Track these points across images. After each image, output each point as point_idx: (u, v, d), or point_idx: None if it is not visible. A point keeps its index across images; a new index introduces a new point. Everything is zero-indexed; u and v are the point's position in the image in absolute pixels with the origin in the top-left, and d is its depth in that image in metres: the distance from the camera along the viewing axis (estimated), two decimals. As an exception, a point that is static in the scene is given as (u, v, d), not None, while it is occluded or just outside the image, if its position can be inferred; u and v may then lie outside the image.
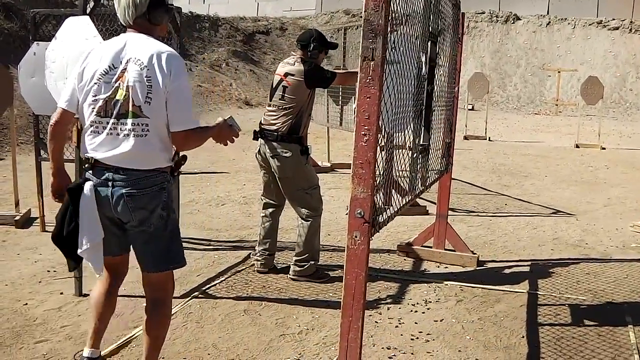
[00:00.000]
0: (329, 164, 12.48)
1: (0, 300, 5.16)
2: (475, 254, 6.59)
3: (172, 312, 4.95)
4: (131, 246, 3.73)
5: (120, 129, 3.41)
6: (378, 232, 3.64)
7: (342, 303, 3.42)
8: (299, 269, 5.85)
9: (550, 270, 6.51)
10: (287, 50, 31.76)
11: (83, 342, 4.45)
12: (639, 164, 14.58)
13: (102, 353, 4.04)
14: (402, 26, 4.03)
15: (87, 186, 3.46)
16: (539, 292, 5.81)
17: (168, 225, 3.60)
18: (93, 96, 3.45)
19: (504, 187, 11.26)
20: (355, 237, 3.30)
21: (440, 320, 5.13)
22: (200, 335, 4.70)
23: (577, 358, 4.55)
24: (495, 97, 29.47)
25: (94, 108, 3.45)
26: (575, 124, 18.91)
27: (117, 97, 3.41)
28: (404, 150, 4.76)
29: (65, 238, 3.53)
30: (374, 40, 3.14)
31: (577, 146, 17.02)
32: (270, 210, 6.08)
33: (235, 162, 12.90)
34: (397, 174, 4.47)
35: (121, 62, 3.44)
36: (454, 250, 6.62)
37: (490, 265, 6.62)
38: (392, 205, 4.26)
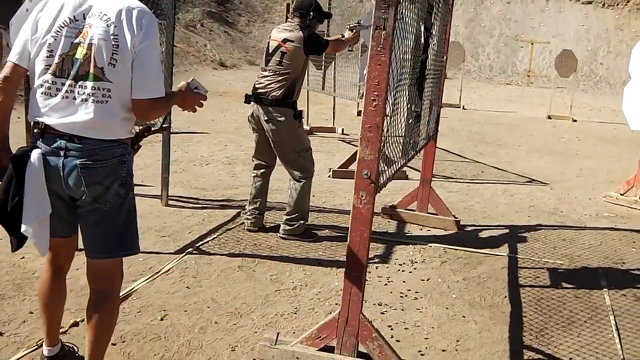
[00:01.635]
0: (307, 127, 12.61)
1: (-3, 254, 5.27)
2: (456, 218, 6.82)
3: (168, 268, 5.16)
4: (80, 227, 3.26)
5: (78, 92, 2.98)
6: (379, 192, 3.83)
7: (346, 258, 3.62)
8: (289, 227, 6.03)
9: (528, 236, 6.76)
10: (261, 12, 31.71)
11: (84, 294, 4.56)
12: (609, 136, 14.91)
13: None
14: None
15: (35, 154, 2.99)
16: (518, 256, 6.06)
17: (125, 205, 3.19)
18: (48, 51, 3.00)
19: (480, 154, 11.50)
20: (362, 196, 3.49)
21: (427, 280, 5.35)
22: (199, 289, 4.87)
23: (557, 317, 4.81)
24: (468, 66, 29.64)
25: (48, 65, 3.00)
26: (547, 95, 19.21)
27: (77, 56, 2.97)
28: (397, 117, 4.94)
29: (9, 214, 3.03)
30: (386, 10, 3.31)
31: (549, 117, 17.30)
32: (262, 170, 6.23)
33: (215, 122, 12.98)
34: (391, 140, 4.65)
35: (84, 15, 3.02)
36: (436, 214, 6.83)
37: (470, 229, 6.85)
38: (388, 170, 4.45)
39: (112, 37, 2.97)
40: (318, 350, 3.75)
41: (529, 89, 27.01)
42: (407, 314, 4.70)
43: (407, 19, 4.13)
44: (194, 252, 5.62)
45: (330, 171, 8.84)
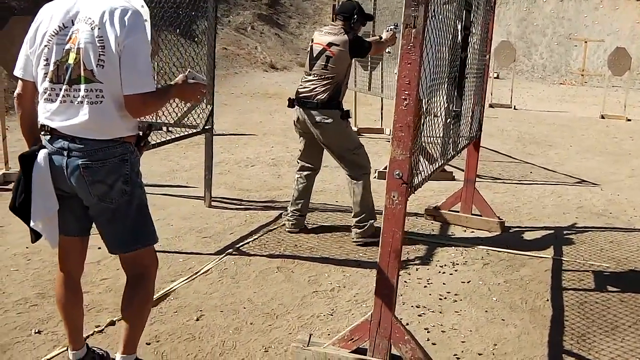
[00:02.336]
0: (355, 129, 12.58)
1: (41, 253, 5.32)
2: (501, 219, 6.72)
3: (208, 268, 5.19)
4: (96, 226, 3.35)
5: (74, 95, 3.07)
6: (413, 193, 3.78)
7: (378, 259, 3.58)
8: (359, 230, 5.99)
9: (574, 238, 6.62)
10: (312, 14, 31.75)
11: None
12: (664, 135, 14.58)
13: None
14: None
15: (42, 154, 3.13)
16: (563, 258, 5.94)
17: (133, 201, 3.25)
18: (44, 60, 3.11)
19: (529, 155, 11.33)
20: (393, 197, 3.45)
21: (468, 282, 5.28)
22: (236, 290, 4.88)
23: (600, 322, 4.69)
24: (521, 66, 29.32)
25: (45, 73, 3.11)
26: (600, 94, 18.86)
27: (69, 61, 3.06)
28: (433, 117, 4.88)
29: (18, 209, 3.20)
30: (416, 8, 3.26)
31: (603, 117, 16.98)
32: (306, 173, 6.23)
33: (262, 124, 13.03)
34: (426, 140, 4.60)
35: (72, 21, 3.09)
36: (480, 215, 6.75)
37: (515, 230, 6.74)
38: (420, 171, 4.40)
39: (97, 39, 3.03)
40: (350, 352, 3.71)
41: (582, 88, 26.58)
42: (445, 316, 4.64)
43: (440, 17, 4.06)
44: (234, 253, 5.63)
45: (376, 172, 8.78)
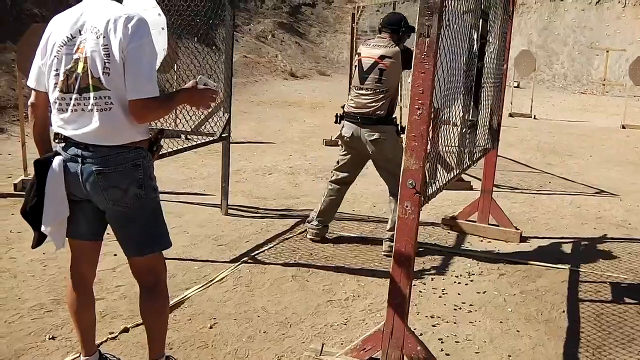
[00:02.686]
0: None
1: (57, 259, 5.34)
2: (518, 229, 6.68)
3: (223, 276, 5.20)
4: (113, 231, 3.40)
5: (84, 104, 3.12)
6: (427, 203, 3.77)
7: (391, 269, 3.57)
8: (392, 244, 5.98)
9: (592, 249, 6.58)
10: (332, 22, 31.80)
11: (137, 300, 4.64)
12: (686, 146, 14.45)
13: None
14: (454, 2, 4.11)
15: (57, 160, 3.19)
16: (580, 269, 5.89)
17: (147, 205, 3.31)
18: (54, 70, 3.18)
19: (548, 165, 11.27)
20: (407, 206, 3.44)
21: (483, 293, 5.25)
22: (250, 298, 4.87)
23: (616, 334, 4.64)
24: (542, 75, 29.19)
25: (56, 83, 3.18)
26: (622, 104, 18.72)
27: (78, 70, 3.12)
28: (451, 126, 4.87)
29: (29, 213, 3.28)
30: (430, 17, 3.26)
31: (624, 127, 16.86)
32: (339, 186, 6.20)
33: (281, 132, 13.05)
34: (445, 149, 4.59)
35: (80, 31, 3.15)
36: (497, 225, 6.71)
37: (532, 241, 6.70)
38: (437, 180, 4.38)
39: (102, 47, 3.08)
40: (363, 362, 3.71)
41: (604, 98, 26.40)
42: (459, 327, 4.61)
43: (456, 26, 4.05)
44: (249, 261, 5.63)
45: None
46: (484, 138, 5.97)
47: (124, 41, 3.06)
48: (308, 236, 6.27)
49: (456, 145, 4.97)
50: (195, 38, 6.53)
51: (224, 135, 6.58)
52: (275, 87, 21.53)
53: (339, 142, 6.19)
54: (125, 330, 4.26)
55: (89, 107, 3.12)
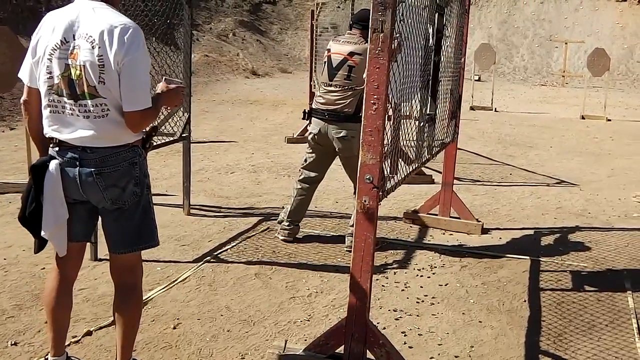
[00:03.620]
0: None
1: (18, 265, 5.31)
2: (480, 221, 6.74)
3: (185, 277, 5.18)
4: (102, 225, 3.46)
5: (79, 110, 3.16)
6: (386, 197, 3.79)
7: (351, 264, 3.58)
8: None
9: (553, 238, 6.66)
10: (293, 20, 31.80)
11: (100, 303, 4.66)
12: (644, 135, 14.68)
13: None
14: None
15: (53, 164, 3.21)
16: (541, 259, 5.97)
17: (141, 202, 3.38)
18: (47, 73, 3.18)
19: (509, 157, 11.38)
20: (365, 201, 3.46)
21: (445, 285, 5.29)
22: (214, 297, 4.86)
23: (577, 321, 4.71)
24: (502, 68, 29.46)
25: (50, 86, 3.19)
26: (581, 95, 18.95)
27: (72, 77, 3.14)
28: (410, 120, 4.90)
29: (28, 219, 3.30)
30: (384, 12, 3.28)
31: (583, 117, 17.07)
32: (308, 185, 6.14)
33: (243, 131, 13.02)
34: (404, 143, 4.62)
35: (73, 37, 3.14)
36: (459, 218, 6.76)
37: (494, 232, 6.76)
38: (398, 173, 4.41)
39: (97, 57, 3.10)
40: (326, 357, 3.71)
41: (564, 89, 26.70)
42: (422, 319, 4.65)
43: (411, 20, 4.08)
44: (212, 260, 5.61)
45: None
46: (443, 131, 6.00)
47: (119, 54, 3.09)
48: (280, 237, 6.20)
49: (415, 139, 5.00)
50: (154, 38, 6.49)
51: (184, 135, 6.55)
52: (237, 85, 21.47)
53: (308, 140, 6.15)
54: (89, 333, 4.22)
55: (85, 114, 3.16)
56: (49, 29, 3.20)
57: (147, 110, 3.20)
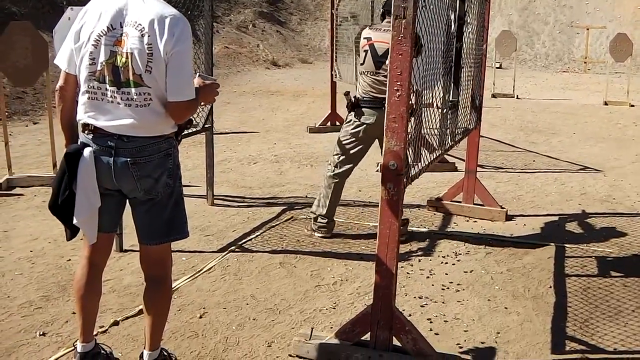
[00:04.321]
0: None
1: (45, 257, 5.37)
2: (503, 208, 6.72)
3: (210, 266, 5.21)
4: (133, 216, 3.46)
5: (121, 98, 3.17)
6: (410, 184, 3.78)
7: (376, 251, 3.59)
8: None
9: (578, 224, 6.63)
10: (313, 10, 31.73)
11: (126, 293, 4.70)
12: (668, 120, 14.53)
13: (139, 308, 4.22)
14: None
15: (87, 152, 3.21)
16: (566, 245, 5.94)
17: (173, 194, 3.39)
18: (90, 59, 3.19)
19: (532, 144, 11.32)
20: (389, 188, 3.46)
21: (470, 272, 5.29)
22: (239, 286, 4.89)
23: (603, 307, 4.69)
24: (524, 55, 29.25)
25: (92, 72, 3.19)
26: (603, 81, 18.77)
27: (117, 64, 3.15)
28: (432, 109, 4.88)
29: (60, 207, 3.29)
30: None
31: (606, 103, 16.92)
32: (345, 178, 6.02)
33: (265, 121, 13.04)
34: (426, 131, 4.61)
35: (121, 24, 3.17)
36: (482, 205, 6.75)
37: (518, 219, 6.73)
38: (422, 161, 4.40)
39: (146, 46, 3.12)
40: (352, 344, 3.73)
41: (586, 75, 26.46)
42: (447, 306, 4.65)
43: (432, 7, 4.07)
44: (236, 250, 5.64)
45: (378, 165, 8.74)
46: (466, 118, 5.99)
47: (168, 44, 3.12)
48: (319, 235, 6.03)
49: (438, 126, 4.99)
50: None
51: (206, 126, 6.57)
52: (257, 76, 21.48)
53: (349, 132, 5.86)
54: (116, 323, 4.26)
55: (127, 102, 3.17)
56: (94, 15, 3.21)
57: (192, 101, 3.24)
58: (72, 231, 3.38)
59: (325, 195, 5.99)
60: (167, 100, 3.18)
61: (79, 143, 3.30)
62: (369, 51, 5.74)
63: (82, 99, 3.25)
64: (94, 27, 3.18)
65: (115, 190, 3.34)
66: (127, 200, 3.44)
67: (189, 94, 3.21)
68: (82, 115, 3.25)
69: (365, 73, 5.78)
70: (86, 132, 3.26)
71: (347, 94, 5.91)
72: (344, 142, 5.90)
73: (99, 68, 3.18)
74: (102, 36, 3.16)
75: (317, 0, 32.39)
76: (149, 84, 3.15)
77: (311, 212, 6.11)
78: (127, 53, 3.13)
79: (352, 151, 5.89)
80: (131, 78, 3.14)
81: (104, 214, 3.38)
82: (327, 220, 6.03)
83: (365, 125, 5.73)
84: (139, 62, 3.12)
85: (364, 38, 5.82)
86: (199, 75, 3.49)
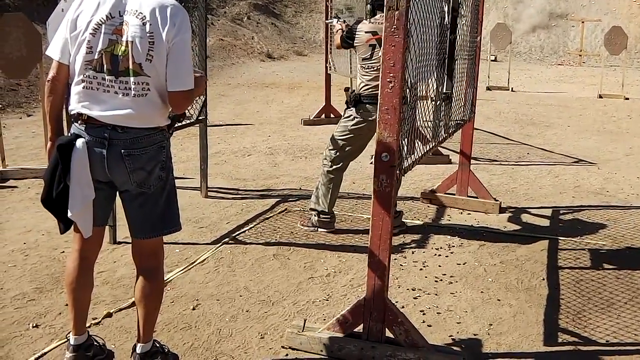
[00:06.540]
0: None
1: (38, 249, 5.36)
2: (497, 200, 6.73)
3: (204, 258, 5.20)
4: (125, 211, 3.43)
5: (119, 87, 3.14)
6: (403, 176, 3.79)
7: (369, 243, 3.59)
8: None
9: (571, 217, 6.64)
10: (308, 2, 31.64)
11: (119, 285, 4.70)
12: (663, 113, 14.56)
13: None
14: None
15: (79, 142, 3.16)
16: (559, 237, 5.95)
17: (166, 187, 3.37)
18: (88, 47, 3.14)
19: (527, 136, 11.33)
20: (382, 179, 3.46)
21: (463, 264, 5.29)
22: (232, 278, 4.89)
23: (595, 299, 4.71)
24: (518, 48, 29.25)
25: (89, 62, 3.15)
26: (598, 74, 18.79)
27: (116, 52, 3.13)
28: (427, 101, 4.88)
29: (54, 200, 3.24)
30: (399, -10, 3.26)
31: (601, 96, 16.94)
32: (343, 172, 6.00)
33: (259, 114, 13.03)
34: (421, 124, 4.61)
35: (120, 13, 3.15)
36: (476, 197, 6.75)
37: (512, 211, 6.75)
38: (415, 152, 4.40)
39: (147, 34, 3.11)
40: (345, 336, 3.73)
41: (580, 68, 26.46)
42: (440, 298, 4.66)
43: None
44: (230, 242, 5.64)
45: (372, 157, 8.75)
46: (460, 110, 5.99)
47: (170, 33, 3.12)
48: (324, 230, 5.96)
49: (431, 118, 4.99)
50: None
51: (200, 118, 6.56)
52: (252, 69, 21.45)
53: (348, 127, 5.77)
54: (109, 315, 4.26)
55: (125, 91, 3.15)
56: (92, 4, 3.18)
57: (190, 91, 3.23)
58: (65, 224, 3.34)
59: (325, 192, 5.93)
60: (168, 90, 3.18)
61: (70, 134, 3.27)
62: (376, 45, 5.57)
63: (76, 88, 3.20)
64: (92, 16, 3.15)
65: (106, 183, 3.30)
66: (118, 193, 3.41)
67: (189, 83, 3.21)
68: (76, 105, 3.21)
69: (369, 68, 5.65)
70: (79, 122, 3.21)
71: (347, 89, 5.88)
72: (342, 138, 5.83)
73: (96, 57, 3.14)
74: (101, 24, 3.14)
75: (312, -7, 32.33)
76: (148, 73, 3.14)
77: (311, 208, 6.04)
78: (127, 41, 3.12)
79: (350, 147, 5.83)
80: (130, 67, 3.12)
81: (95, 207, 3.34)
82: (330, 215, 5.99)
83: (367, 122, 5.62)
84: (140, 51, 3.11)
85: (368, 32, 5.66)
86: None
